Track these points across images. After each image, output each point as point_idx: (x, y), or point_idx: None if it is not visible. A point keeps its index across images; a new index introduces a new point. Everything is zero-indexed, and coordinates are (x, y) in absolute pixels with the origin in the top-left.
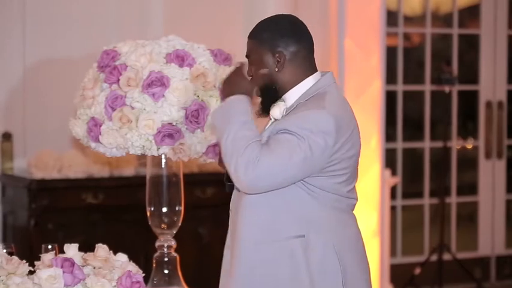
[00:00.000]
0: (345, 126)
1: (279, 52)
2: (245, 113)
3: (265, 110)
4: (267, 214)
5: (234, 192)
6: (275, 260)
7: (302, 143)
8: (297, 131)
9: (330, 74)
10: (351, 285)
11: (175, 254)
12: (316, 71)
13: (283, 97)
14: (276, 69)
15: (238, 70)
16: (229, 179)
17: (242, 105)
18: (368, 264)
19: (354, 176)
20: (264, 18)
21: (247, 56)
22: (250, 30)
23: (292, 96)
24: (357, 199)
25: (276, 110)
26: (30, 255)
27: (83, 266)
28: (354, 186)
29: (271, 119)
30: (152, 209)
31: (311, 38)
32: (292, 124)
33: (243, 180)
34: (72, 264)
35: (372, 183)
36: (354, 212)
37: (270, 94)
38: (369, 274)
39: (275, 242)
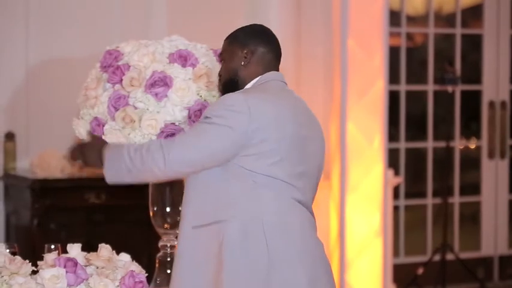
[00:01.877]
0: (264, 109)
1: (248, 48)
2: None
3: None
4: (200, 199)
5: None
6: (206, 243)
7: (214, 124)
8: (210, 114)
9: (277, 72)
10: (280, 271)
11: None
12: None
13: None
14: (242, 63)
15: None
16: None
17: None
18: (317, 251)
19: (293, 159)
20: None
21: (220, 55)
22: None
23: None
24: (306, 195)
25: None
26: (33, 255)
27: (86, 265)
28: (309, 183)
29: None
30: (155, 208)
31: (279, 47)
32: (208, 110)
33: (163, 163)
34: (75, 264)
35: (374, 183)
36: (310, 212)
37: (231, 86)
38: (308, 260)
39: (207, 226)
